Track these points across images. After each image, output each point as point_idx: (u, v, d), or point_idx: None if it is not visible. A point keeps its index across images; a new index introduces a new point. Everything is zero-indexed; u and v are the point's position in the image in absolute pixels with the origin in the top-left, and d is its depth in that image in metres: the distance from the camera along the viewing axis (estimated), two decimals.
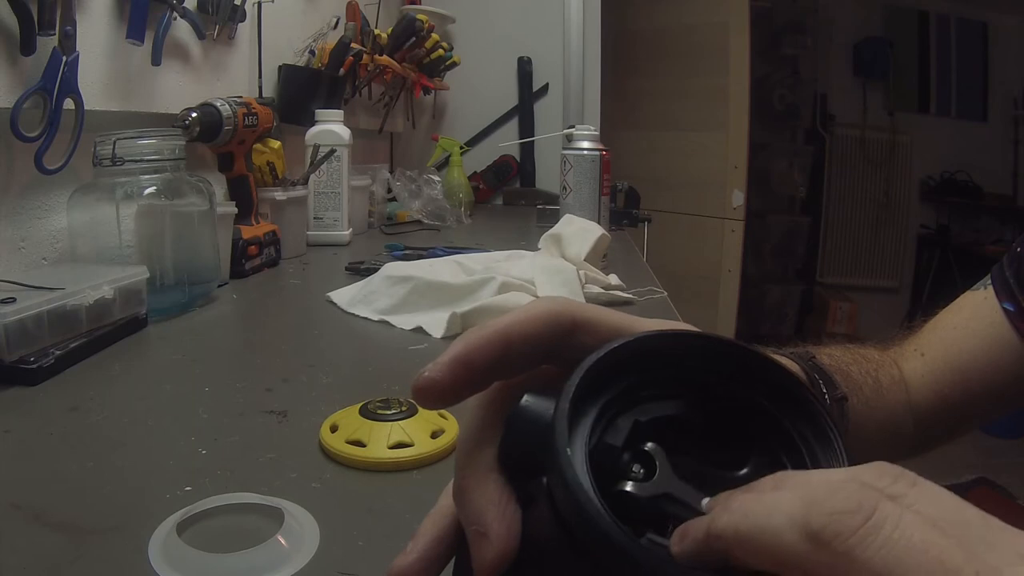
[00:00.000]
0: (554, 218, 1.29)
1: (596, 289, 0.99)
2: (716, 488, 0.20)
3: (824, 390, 0.40)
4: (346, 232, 1.44)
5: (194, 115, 1.02)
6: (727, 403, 0.22)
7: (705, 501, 0.19)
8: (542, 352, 0.23)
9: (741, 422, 0.22)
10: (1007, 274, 0.51)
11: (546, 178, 2.24)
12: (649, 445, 0.20)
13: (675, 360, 0.22)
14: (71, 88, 0.84)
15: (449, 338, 0.81)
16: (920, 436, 0.50)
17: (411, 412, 0.54)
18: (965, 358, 0.50)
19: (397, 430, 0.52)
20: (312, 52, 1.53)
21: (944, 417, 0.50)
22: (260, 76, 1.38)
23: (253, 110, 1.13)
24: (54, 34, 0.81)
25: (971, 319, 0.52)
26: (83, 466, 0.49)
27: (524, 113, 2.33)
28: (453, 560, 0.25)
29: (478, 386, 0.23)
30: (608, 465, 0.20)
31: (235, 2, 1.21)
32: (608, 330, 0.23)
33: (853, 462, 0.19)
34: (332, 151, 1.38)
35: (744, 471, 0.21)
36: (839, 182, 3.97)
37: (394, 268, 0.96)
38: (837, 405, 0.41)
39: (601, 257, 1.14)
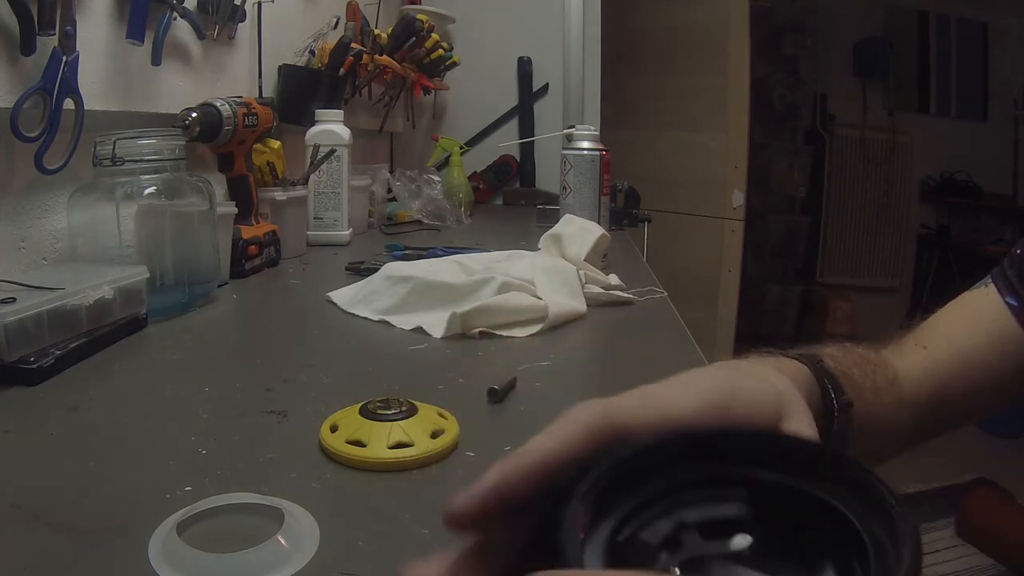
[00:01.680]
0: (554, 218, 1.29)
1: (596, 289, 0.99)
2: None
3: (833, 395, 0.40)
4: (346, 232, 1.44)
5: (194, 115, 1.02)
6: (782, 500, 0.20)
7: None
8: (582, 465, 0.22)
9: (802, 521, 0.19)
10: (1008, 273, 0.51)
11: (546, 178, 2.24)
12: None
13: (718, 453, 0.20)
14: (71, 88, 0.84)
15: (449, 338, 0.81)
16: (917, 430, 0.50)
17: (411, 412, 0.54)
18: (969, 352, 0.50)
19: (397, 430, 0.52)
20: (312, 52, 1.53)
21: (944, 410, 0.50)
22: (260, 76, 1.38)
23: (253, 110, 1.13)
24: (54, 34, 0.81)
25: (974, 314, 0.52)
26: (83, 466, 0.49)
27: (524, 113, 2.33)
28: None
29: (513, 514, 0.22)
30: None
31: (235, 2, 1.21)
32: (648, 430, 0.22)
33: (916, 558, 0.17)
34: (332, 151, 1.38)
35: None
36: (839, 182, 3.96)
37: (394, 268, 0.96)
38: (844, 411, 0.40)
39: (601, 257, 1.14)
